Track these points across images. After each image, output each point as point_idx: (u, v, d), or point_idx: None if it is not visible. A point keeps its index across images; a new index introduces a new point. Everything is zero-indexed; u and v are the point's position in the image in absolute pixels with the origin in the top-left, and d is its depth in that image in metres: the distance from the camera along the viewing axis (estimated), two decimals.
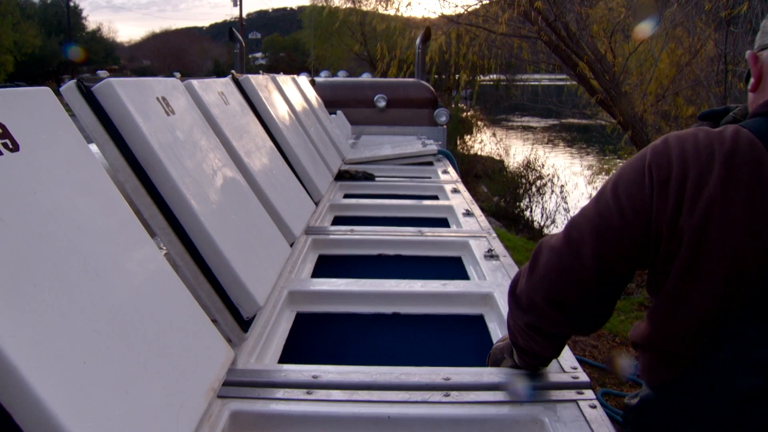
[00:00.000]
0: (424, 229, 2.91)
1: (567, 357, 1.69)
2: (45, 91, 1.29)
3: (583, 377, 1.59)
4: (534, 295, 1.38)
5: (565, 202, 11.93)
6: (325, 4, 28.09)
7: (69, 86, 1.50)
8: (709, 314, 1.23)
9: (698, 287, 1.22)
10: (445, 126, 7.03)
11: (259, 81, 3.22)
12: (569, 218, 1.39)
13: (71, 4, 48.10)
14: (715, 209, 1.18)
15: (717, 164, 1.19)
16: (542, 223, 11.94)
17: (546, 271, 1.36)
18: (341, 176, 4.28)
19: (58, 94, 1.38)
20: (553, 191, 12.49)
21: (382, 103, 7.02)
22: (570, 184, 12.81)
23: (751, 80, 1.37)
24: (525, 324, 1.45)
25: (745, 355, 1.20)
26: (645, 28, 8.24)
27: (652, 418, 1.39)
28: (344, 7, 24.91)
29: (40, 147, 1.18)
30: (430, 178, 4.51)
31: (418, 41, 8.74)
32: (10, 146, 1.09)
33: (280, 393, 1.52)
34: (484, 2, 11.29)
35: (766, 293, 1.18)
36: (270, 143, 2.91)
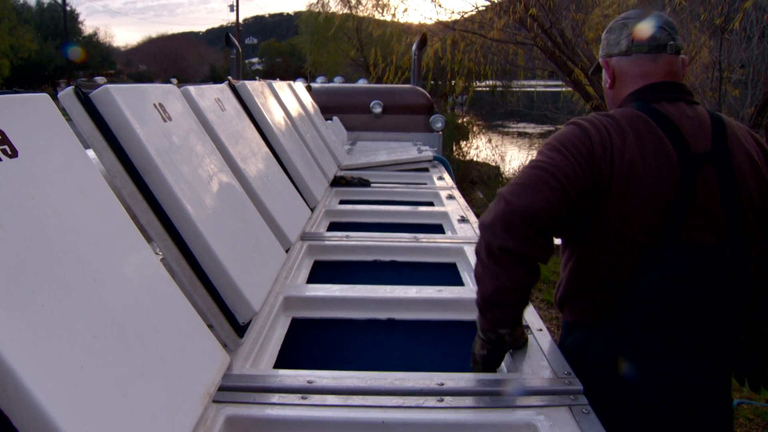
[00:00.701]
0: (420, 236, 2.92)
1: (560, 363, 1.71)
2: (43, 98, 1.31)
3: (577, 383, 1.60)
4: (513, 217, 1.60)
5: None
6: (321, 9, 28.20)
7: (67, 93, 1.51)
8: (638, 242, 1.66)
9: (629, 223, 1.66)
10: (440, 132, 7.05)
11: (255, 87, 3.23)
12: (526, 167, 1.71)
13: (68, 8, 48.11)
14: (636, 162, 1.65)
15: (627, 132, 1.69)
16: None
17: (522, 201, 1.61)
18: (337, 182, 4.29)
19: (54, 98, 1.39)
20: None
21: (378, 109, 7.03)
22: None
23: (607, 80, 1.91)
24: (499, 248, 1.63)
25: (668, 273, 1.65)
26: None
27: (602, 345, 1.76)
28: (340, 12, 25.02)
29: (38, 153, 1.19)
30: (425, 184, 4.52)
31: (414, 47, 8.74)
32: (9, 152, 1.10)
33: (276, 398, 1.53)
34: (480, 9, 11.33)
35: (675, 222, 1.64)
36: (266, 149, 2.93)
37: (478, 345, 1.75)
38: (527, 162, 1.76)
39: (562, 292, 1.89)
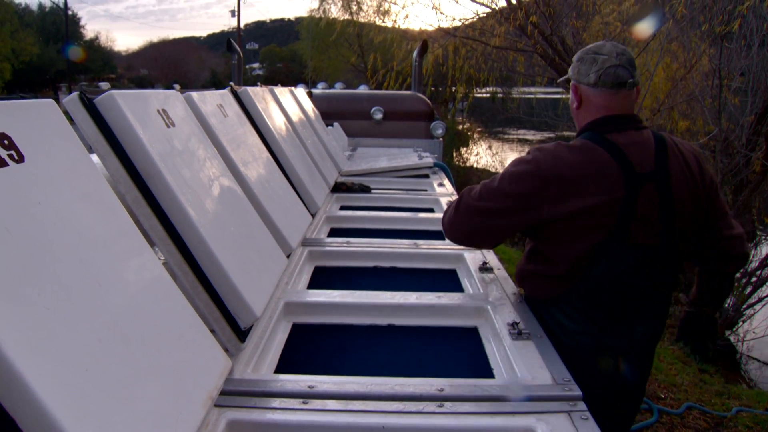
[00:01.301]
0: (420, 242, 2.93)
1: (560, 370, 1.71)
2: (49, 104, 1.32)
3: (576, 389, 1.61)
4: (456, 234, 2.30)
5: None
6: (322, 15, 28.22)
7: (72, 98, 1.52)
8: (589, 243, 2.04)
9: (582, 230, 2.03)
10: (441, 139, 7.05)
11: (257, 93, 3.25)
12: (485, 185, 2.21)
13: (69, 12, 48.19)
14: (588, 184, 2.01)
15: (581, 160, 2.04)
16: None
17: (464, 221, 2.22)
18: (338, 188, 4.30)
19: (56, 102, 1.40)
20: None
21: (378, 116, 7.03)
22: None
23: (574, 101, 2.24)
24: (450, 240, 2.36)
25: (614, 267, 2.05)
26: (646, 28, 8.24)
27: (560, 316, 2.14)
28: (342, 18, 25.05)
29: (44, 158, 1.20)
30: (426, 190, 4.53)
31: (415, 54, 8.73)
32: (16, 157, 1.11)
33: (277, 402, 1.53)
34: (481, 16, 11.37)
35: (621, 228, 2.01)
36: (267, 155, 2.94)
37: None
38: (490, 180, 2.19)
39: (523, 271, 2.29)
